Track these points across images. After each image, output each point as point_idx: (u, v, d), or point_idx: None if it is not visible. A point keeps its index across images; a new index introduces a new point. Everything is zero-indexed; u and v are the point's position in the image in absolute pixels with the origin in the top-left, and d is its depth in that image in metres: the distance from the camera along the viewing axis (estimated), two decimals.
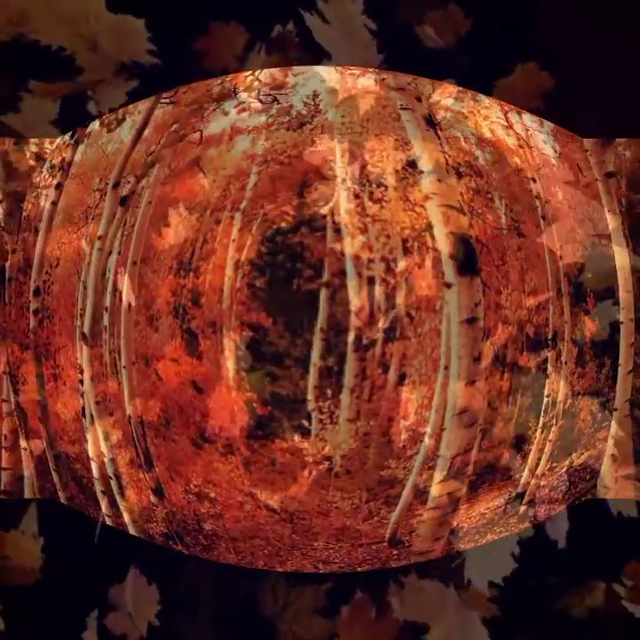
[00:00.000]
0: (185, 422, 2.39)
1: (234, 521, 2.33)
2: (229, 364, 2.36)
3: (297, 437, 2.33)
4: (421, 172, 1.91)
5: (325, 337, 2.25)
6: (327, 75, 2.41)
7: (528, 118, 2.30)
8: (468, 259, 1.93)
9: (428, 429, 2.12)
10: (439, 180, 1.89)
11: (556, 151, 2.37)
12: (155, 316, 2.36)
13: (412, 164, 2.00)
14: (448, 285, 1.95)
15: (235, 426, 2.35)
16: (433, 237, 2.06)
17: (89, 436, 2.36)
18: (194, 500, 2.37)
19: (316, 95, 2.44)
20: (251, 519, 2.32)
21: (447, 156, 1.91)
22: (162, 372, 2.37)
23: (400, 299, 2.22)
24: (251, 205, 2.36)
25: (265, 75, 2.40)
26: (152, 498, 2.38)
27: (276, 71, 2.42)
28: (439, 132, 1.95)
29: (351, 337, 2.26)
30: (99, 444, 2.36)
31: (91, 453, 2.38)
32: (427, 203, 1.95)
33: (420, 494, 2.15)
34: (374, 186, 2.28)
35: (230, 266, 2.35)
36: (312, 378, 2.29)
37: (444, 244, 1.93)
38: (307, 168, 2.35)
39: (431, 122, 1.85)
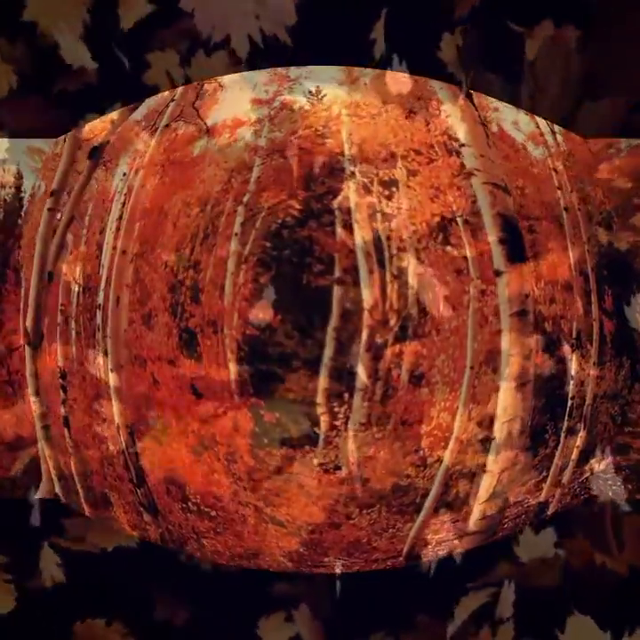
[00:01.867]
0: (182, 430, 2.21)
1: (237, 537, 2.14)
2: (231, 366, 2.20)
3: (305, 444, 2.17)
4: (462, 145, 1.79)
5: (338, 336, 2.12)
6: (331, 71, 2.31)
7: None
8: (516, 243, 1.80)
9: (454, 435, 1.97)
10: (481, 156, 1.78)
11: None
12: (151, 314, 2.20)
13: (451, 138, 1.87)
14: (497, 274, 1.79)
15: (238, 433, 2.18)
16: (469, 222, 1.94)
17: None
18: (192, 516, 2.18)
19: (319, 90, 2.34)
20: (255, 534, 2.14)
21: (486, 129, 1.80)
22: (157, 374, 2.19)
23: (418, 295, 2.10)
24: (254, 198, 2.23)
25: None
26: (145, 516, 2.18)
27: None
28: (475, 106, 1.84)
29: (365, 336, 2.13)
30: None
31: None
32: (471, 180, 1.80)
33: (445, 507, 1.99)
34: (386, 175, 2.18)
35: (232, 261, 2.21)
36: (322, 380, 2.15)
37: (490, 226, 1.79)
38: (313, 160, 2.24)
39: (470, 95, 1.75)
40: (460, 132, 1.85)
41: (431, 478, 2.05)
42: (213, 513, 2.14)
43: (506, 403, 1.82)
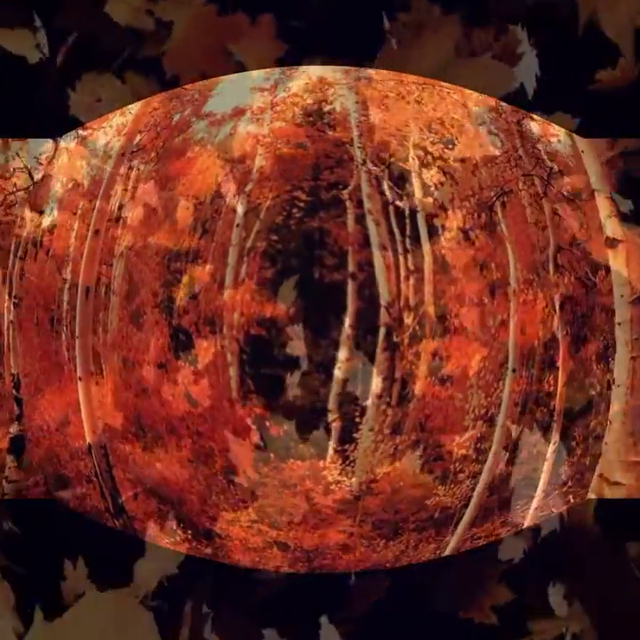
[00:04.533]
0: (176, 444, 1.96)
1: (237, 560, 1.88)
2: (231, 371, 1.97)
3: (315, 457, 1.94)
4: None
5: (354, 335, 1.92)
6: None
7: None
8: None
9: (494, 447, 1.77)
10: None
11: None
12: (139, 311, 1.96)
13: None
14: (612, 243, 1.56)
15: (239, 447, 1.94)
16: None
17: None
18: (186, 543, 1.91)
19: (322, 83, 2.20)
20: (257, 557, 1.88)
21: None
22: (146, 380, 1.94)
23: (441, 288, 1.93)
24: (257, 187, 2.05)
25: None
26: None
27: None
28: None
29: (382, 334, 1.94)
30: None
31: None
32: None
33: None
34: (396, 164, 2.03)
35: (233, 253, 2.00)
36: (335, 384, 1.94)
37: (598, 182, 1.58)
38: (320, 149, 2.08)
39: None
40: None
41: (465, 497, 1.85)
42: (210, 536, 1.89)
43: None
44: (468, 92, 1.87)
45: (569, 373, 1.79)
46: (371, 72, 2.06)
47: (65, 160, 1.97)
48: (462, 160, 1.89)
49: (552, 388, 1.84)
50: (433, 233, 1.97)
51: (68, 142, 1.96)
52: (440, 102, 1.98)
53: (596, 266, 1.74)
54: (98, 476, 1.93)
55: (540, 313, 1.83)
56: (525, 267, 1.87)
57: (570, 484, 1.77)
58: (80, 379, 1.92)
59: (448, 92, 1.98)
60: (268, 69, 2.08)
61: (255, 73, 2.05)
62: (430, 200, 1.93)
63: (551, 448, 1.80)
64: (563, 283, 1.80)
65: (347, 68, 2.06)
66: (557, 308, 1.79)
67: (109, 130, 2.01)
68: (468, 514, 1.82)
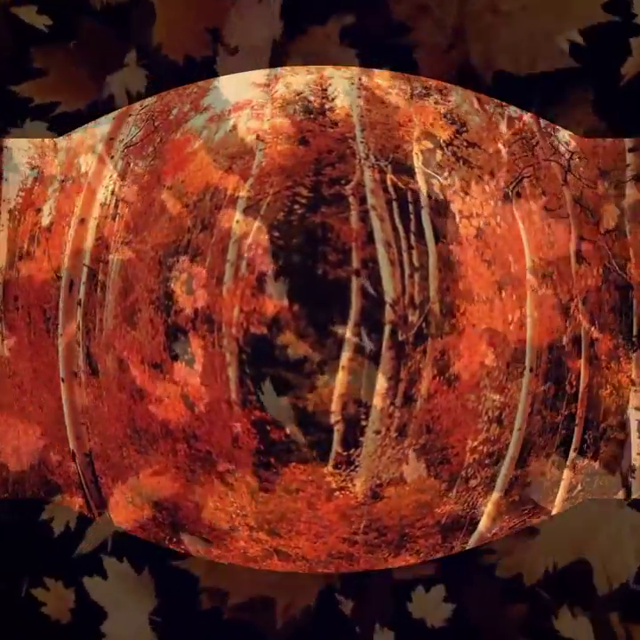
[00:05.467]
0: (171, 448, 1.87)
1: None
2: (231, 372, 1.89)
3: (317, 461, 1.86)
4: None
5: (358, 334, 1.85)
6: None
7: None
8: None
9: (511, 452, 1.68)
10: None
11: None
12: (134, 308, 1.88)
13: None
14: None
15: (239, 451, 1.85)
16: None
17: None
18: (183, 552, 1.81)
19: (323, 80, 2.15)
20: (257, 566, 1.79)
21: None
22: (140, 381, 1.86)
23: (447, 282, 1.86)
24: (258, 183, 1.98)
25: None
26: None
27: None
28: None
29: (387, 332, 1.86)
30: None
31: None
32: None
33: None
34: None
35: (232, 250, 1.93)
36: (339, 384, 1.86)
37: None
38: (322, 144, 2.02)
39: None
40: None
41: (474, 504, 1.77)
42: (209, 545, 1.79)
43: None
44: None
45: (591, 373, 1.71)
46: (374, 70, 2.02)
47: (63, 159, 1.92)
48: (474, 145, 1.84)
49: (574, 390, 1.75)
50: (438, 225, 1.91)
51: (65, 141, 1.90)
52: (447, 94, 1.94)
53: (624, 257, 1.68)
54: (83, 485, 1.83)
55: (560, 308, 1.75)
56: (544, 258, 1.80)
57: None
58: (63, 380, 1.83)
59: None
60: (268, 70, 2.04)
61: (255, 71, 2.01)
62: (440, 186, 1.87)
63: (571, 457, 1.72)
64: (587, 276, 1.72)
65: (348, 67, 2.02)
66: (580, 303, 1.72)
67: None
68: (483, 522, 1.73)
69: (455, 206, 1.87)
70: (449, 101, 1.96)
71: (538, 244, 1.82)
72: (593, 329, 1.72)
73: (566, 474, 1.69)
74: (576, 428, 1.78)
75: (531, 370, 1.75)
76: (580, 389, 1.73)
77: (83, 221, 1.83)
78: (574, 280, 1.75)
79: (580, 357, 1.73)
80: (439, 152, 1.94)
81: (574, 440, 1.73)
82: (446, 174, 1.89)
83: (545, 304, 1.77)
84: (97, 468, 1.85)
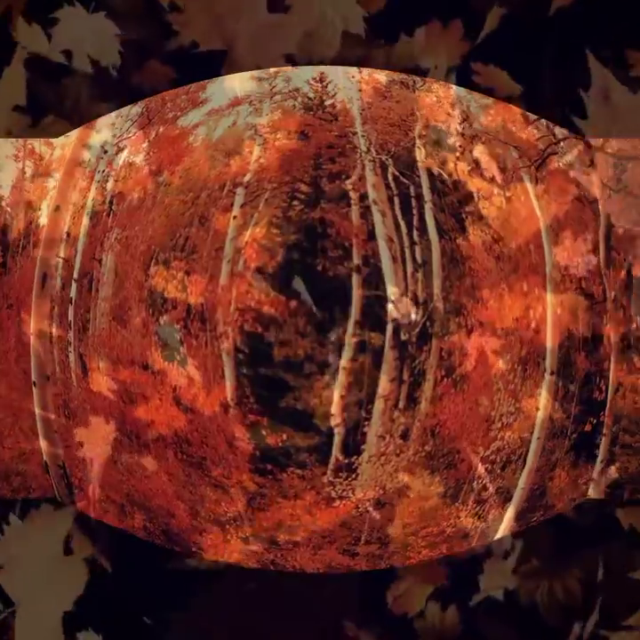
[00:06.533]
0: (162, 453, 1.78)
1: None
2: (227, 373, 1.81)
3: (315, 468, 1.77)
4: None
5: (360, 332, 1.76)
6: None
7: None
8: None
9: (528, 466, 1.54)
10: None
11: None
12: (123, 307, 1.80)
13: None
14: None
15: (235, 456, 1.76)
16: None
17: None
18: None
19: (323, 77, 2.09)
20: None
21: None
22: (129, 382, 1.78)
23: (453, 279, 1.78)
24: (256, 179, 1.91)
25: None
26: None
27: None
28: None
29: (389, 331, 1.78)
30: None
31: None
32: None
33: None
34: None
35: (229, 246, 1.86)
36: (339, 386, 1.77)
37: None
38: (322, 139, 1.96)
39: None
40: None
41: (485, 515, 1.66)
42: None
43: None
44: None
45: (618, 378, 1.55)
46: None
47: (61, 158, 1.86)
48: (486, 131, 1.75)
49: (602, 396, 1.59)
50: (444, 221, 1.83)
51: (64, 141, 1.84)
52: (448, 88, 1.87)
53: None
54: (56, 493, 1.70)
55: (586, 305, 1.62)
56: (566, 249, 1.66)
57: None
58: (34, 383, 1.67)
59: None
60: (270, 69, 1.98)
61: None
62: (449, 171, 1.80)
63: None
64: (616, 269, 1.57)
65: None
66: (611, 298, 1.57)
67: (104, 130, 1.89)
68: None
69: (472, 186, 1.77)
70: (451, 94, 1.90)
71: (559, 233, 1.69)
72: (633, 326, 1.57)
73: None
74: (603, 439, 1.64)
75: (551, 373, 1.60)
76: (609, 396, 1.58)
77: (58, 208, 1.73)
78: (604, 278, 1.60)
79: (610, 360, 1.58)
80: (443, 142, 1.87)
81: (602, 451, 1.59)
82: (455, 159, 1.81)
83: (568, 299, 1.63)
84: (86, 473, 1.76)
